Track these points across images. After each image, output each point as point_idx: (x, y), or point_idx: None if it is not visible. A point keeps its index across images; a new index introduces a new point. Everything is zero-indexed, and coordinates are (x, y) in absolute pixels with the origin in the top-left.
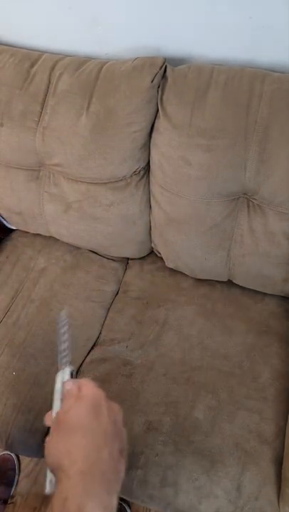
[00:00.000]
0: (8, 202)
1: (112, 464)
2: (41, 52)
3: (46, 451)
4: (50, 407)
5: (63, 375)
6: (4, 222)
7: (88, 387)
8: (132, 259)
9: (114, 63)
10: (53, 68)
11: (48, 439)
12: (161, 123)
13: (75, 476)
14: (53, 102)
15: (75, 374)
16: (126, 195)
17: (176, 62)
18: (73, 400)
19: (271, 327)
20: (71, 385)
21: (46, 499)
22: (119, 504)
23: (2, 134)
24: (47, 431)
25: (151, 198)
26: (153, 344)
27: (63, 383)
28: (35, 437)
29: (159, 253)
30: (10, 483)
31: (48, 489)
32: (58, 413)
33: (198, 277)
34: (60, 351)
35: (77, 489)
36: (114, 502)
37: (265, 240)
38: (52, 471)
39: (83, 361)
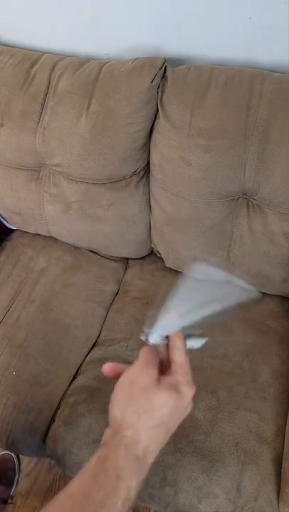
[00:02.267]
0: (8, 202)
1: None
2: (41, 53)
3: (112, 401)
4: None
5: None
6: (4, 222)
7: (190, 389)
8: (132, 259)
9: (114, 63)
10: (53, 68)
11: (116, 389)
12: (161, 123)
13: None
14: (53, 102)
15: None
16: (126, 195)
17: (176, 62)
18: (173, 390)
19: (271, 327)
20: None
21: (46, 499)
22: None
23: (2, 135)
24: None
25: (151, 198)
26: None
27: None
28: (35, 437)
29: (159, 253)
30: (10, 483)
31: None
32: (150, 377)
33: None
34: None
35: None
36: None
37: (264, 240)
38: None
39: (83, 361)
